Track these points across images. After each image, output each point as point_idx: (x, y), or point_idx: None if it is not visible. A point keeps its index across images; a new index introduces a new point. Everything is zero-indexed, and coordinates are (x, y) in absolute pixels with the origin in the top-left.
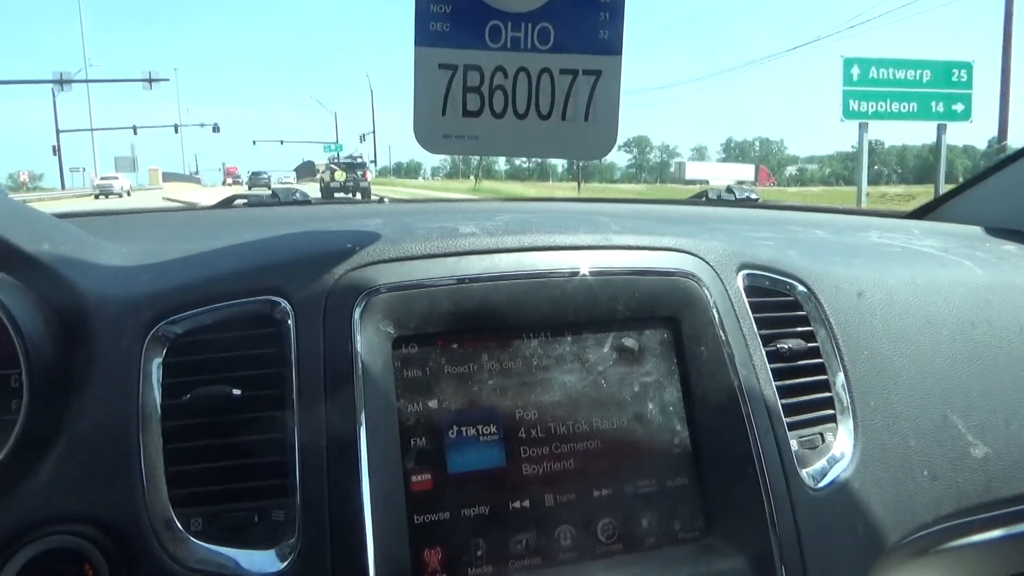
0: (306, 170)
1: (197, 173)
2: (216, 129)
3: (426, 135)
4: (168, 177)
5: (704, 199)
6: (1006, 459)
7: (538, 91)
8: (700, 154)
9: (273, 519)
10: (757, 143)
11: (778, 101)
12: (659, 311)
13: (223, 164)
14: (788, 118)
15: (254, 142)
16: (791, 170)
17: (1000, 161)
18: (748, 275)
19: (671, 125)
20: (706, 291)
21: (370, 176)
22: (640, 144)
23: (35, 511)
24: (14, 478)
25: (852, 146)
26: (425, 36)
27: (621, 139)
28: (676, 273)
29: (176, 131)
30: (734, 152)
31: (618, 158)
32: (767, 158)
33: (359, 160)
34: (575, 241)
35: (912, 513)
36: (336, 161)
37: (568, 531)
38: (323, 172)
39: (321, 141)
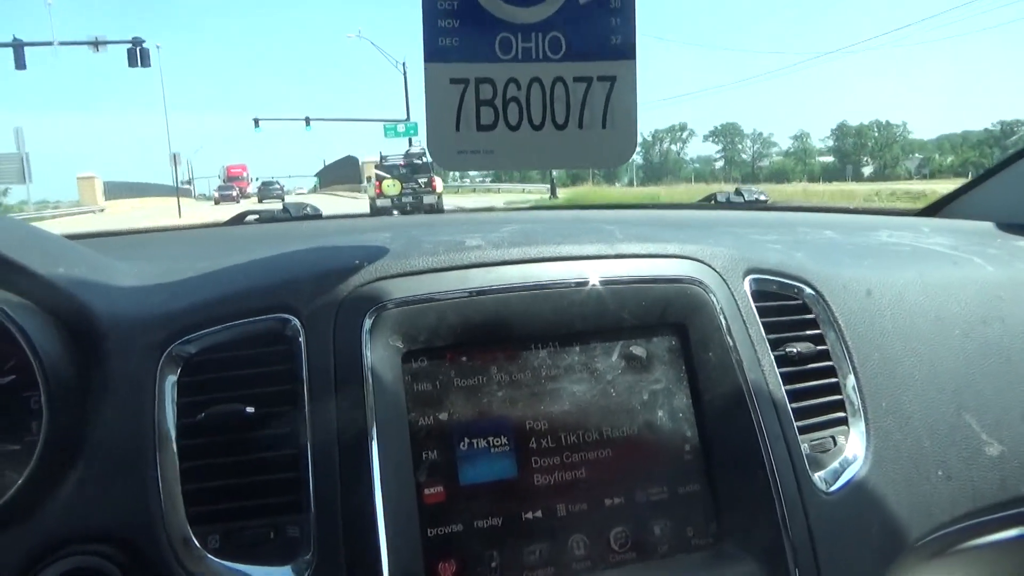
0: (339, 173)
1: (189, 182)
2: (140, 59)
3: (441, 152)
4: (127, 190)
5: (713, 202)
6: (1022, 457)
7: (552, 101)
8: (802, 142)
9: (289, 535)
10: (875, 128)
11: (896, 80)
12: (666, 318)
13: (187, 169)
14: (908, 98)
15: (256, 123)
16: (917, 160)
17: (1010, 155)
18: (755, 279)
19: (765, 111)
20: (713, 297)
21: (438, 185)
22: (729, 133)
23: (55, 531)
24: (36, 498)
25: (988, 127)
26: (434, 51)
27: (706, 128)
28: (682, 280)
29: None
30: (849, 140)
31: (704, 149)
32: (890, 145)
33: (422, 159)
34: (581, 251)
35: (927, 514)
36: (385, 164)
37: (581, 540)
38: (367, 182)
39: (379, 119)
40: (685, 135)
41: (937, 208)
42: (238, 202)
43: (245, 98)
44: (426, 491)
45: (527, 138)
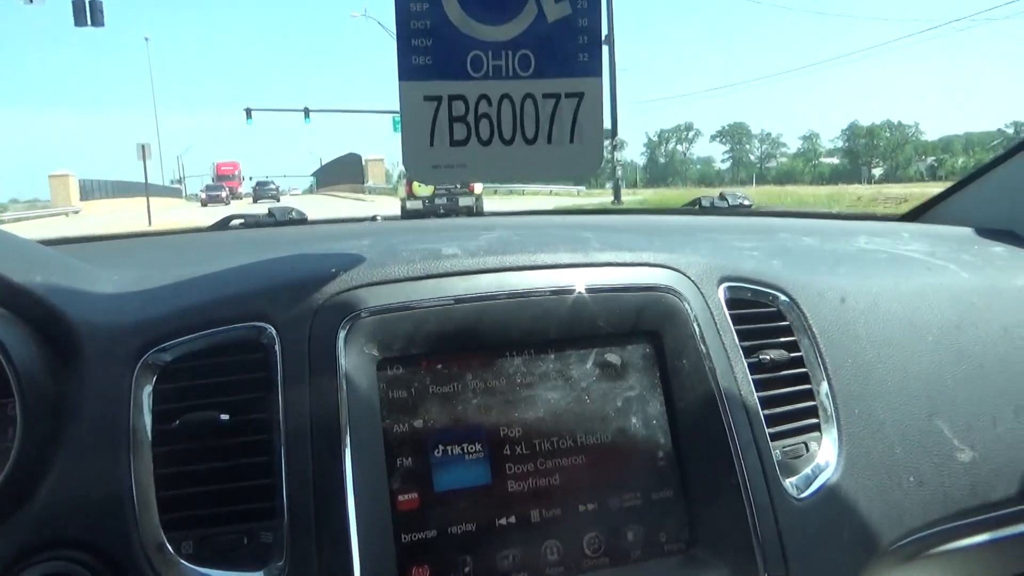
0: (339, 171)
1: (179, 182)
2: (89, 15)
3: (416, 167)
4: (107, 189)
5: (698, 207)
6: (992, 462)
7: (523, 116)
8: (811, 143)
9: (262, 541)
10: (887, 128)
11: (899, 82)
12: (641, 326)
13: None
14: (910, 99)
15: (248, 114)
16: (928, 161)
17: (992, 160)
18: (729, 287)
19: (774, 111)
20: (687, 305)
21: (477, 186)
22: (736, 133)
23: (29, 537)
24: (10, 505)
25: (1001, 127)
26: (408, 70)
27: (713, 128)
28: (657, 288)
29: None
30: (860, 141)
31: (711, 150)
32: (902, 146)
33: None
34: (556, 259)
35: (899, 519)
36: None
37: (555, 546)
38: (399, 181)
39: (387, 111)
40: (691, 135)
41: (919, 213)
42: (228, 204)
43: (239, 91)
44: (400, 498)
45: (498, 152)
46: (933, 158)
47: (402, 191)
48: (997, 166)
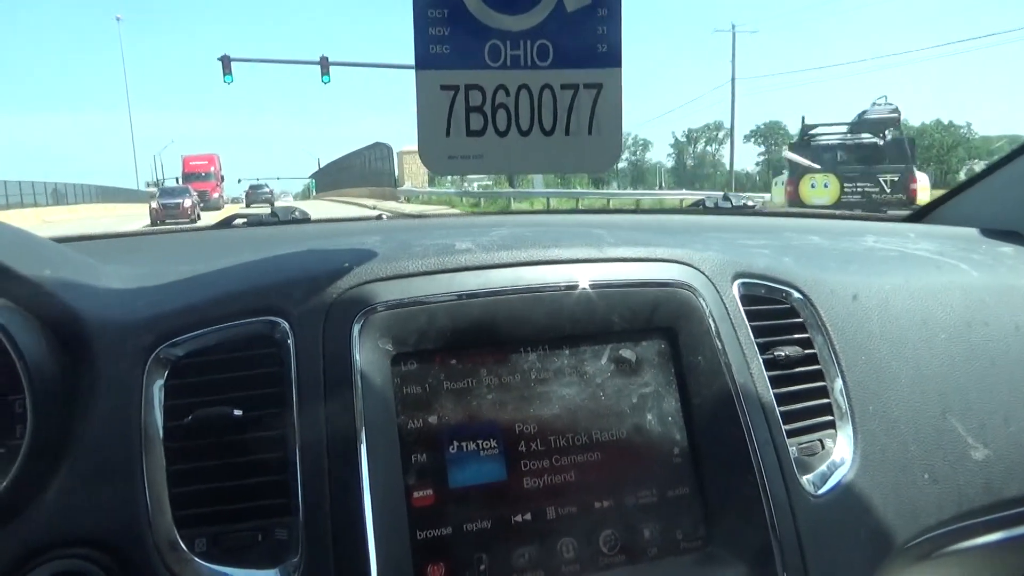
0: (350, 171)
1: (156, 184)
2: None
3: (432, 157)
4: (40, 194)
5: (702, 207)
6: (1006, 460)
7: (540, 107)
8: None
9: (276, 538)
10: (938, 129)
11: (957, 80)
12: (655, 322)
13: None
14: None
15: (225, 67)
16: (982, 164)
17: (996, 161)
18: (744, 284)
19: (808, 110)
20: (702, 301)
21: (922, 188)
22: (771, 133)
23: (41, 534)
24: (21, 502)
25: None
26: (425, 59)
27: (747, 127)
28: (672, 284)
29: None
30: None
31: (745, 152)
32: (954, 147)
33: (885, 134)
34: (571, 254)
35: (914, 517)
36: (814, 142)
37: (570, 543)
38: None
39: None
40: (722, 135)
41: (923, 214)
42: (196, 220)
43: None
44: (415, 494)
45: (515, 143)
46: (987, 162)
47: (780, 194)
48: (1000, 168)
